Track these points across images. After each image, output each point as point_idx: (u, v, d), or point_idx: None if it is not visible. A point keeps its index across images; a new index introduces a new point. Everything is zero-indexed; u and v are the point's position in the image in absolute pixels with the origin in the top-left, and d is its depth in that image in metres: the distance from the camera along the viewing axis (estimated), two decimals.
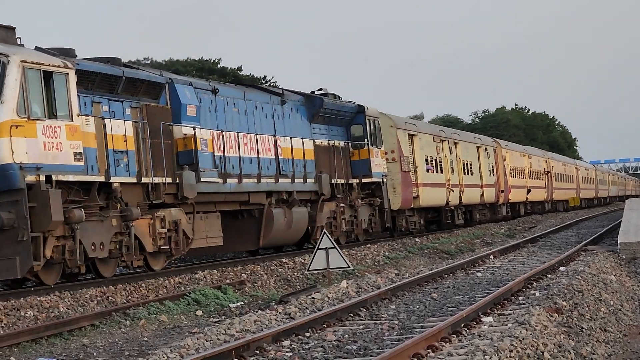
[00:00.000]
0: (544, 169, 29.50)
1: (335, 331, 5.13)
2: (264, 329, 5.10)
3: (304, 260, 9.92)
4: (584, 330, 5.30)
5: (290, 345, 4.41)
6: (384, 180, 13.55)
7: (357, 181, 12.43)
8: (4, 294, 7.08)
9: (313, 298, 6.63)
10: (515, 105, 61.95)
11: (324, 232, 9.05)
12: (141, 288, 7.85)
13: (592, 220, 22.40)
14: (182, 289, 7.78)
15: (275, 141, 10.18)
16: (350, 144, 12.81)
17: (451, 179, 18.20)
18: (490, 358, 3.32)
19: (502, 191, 23.11)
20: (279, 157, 10.15)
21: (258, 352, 3.98)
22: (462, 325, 4.85)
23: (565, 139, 66.42)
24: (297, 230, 10.54)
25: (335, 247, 8.22)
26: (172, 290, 7.88)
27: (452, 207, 17.97)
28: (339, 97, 13.43)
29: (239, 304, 7.57)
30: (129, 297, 7.28)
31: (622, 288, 7.91)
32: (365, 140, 13.02)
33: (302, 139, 10.91)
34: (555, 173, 31.12)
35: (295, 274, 9.87)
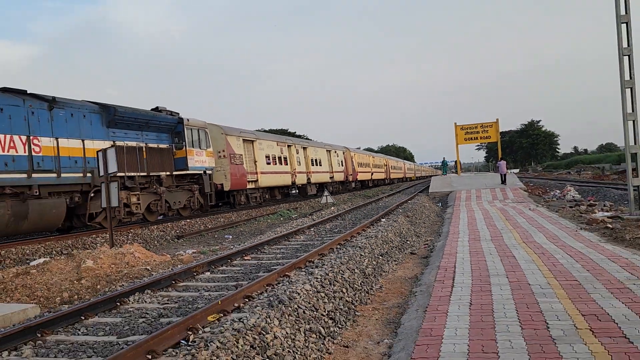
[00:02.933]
0: (384, 164, 56.39)
1: (330, 224, 13.92)
2: (303, 224, 13.38)
3: (311, 200, 28.04)
4: (417, 222, 13.86)
5: (313, 230, 12.55)
6: (207, 172, 19.10)
7: (167, 173, 16.67)
8: (198, 215, 19.00)
9: (322, 213, 18.13)
10: None
11: (325, 189, 25.62)
12: (251, 212, 21.51)
13: (412, 187, 40.44)
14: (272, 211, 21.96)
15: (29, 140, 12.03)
16: (174, 146, 17.65)
17: (297, 168, 27.49)
18: (385, 229, 11.21)
19: (351, 174, 39.47)
20: (33, 154, 12.04)
21: (303, 232, 12.03)
22: (373, 222, 12.87)
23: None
24: (42, 219, 12.21)
25: (329, 195, 22.22)
26: (269, 212, 21.59)
27: (301, 185, 28.88)
28: (174, 113, 17.97)
29: (295, 215, 20.29)
30: (249, 215, 20.55)
31: (430, 207, 19.22)
32: (184, 143, 18.08)
33: (83, 140, 13.62)
34: (391, 165, 62.12)
35: (314, 205, 25.22)
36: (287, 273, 6.59)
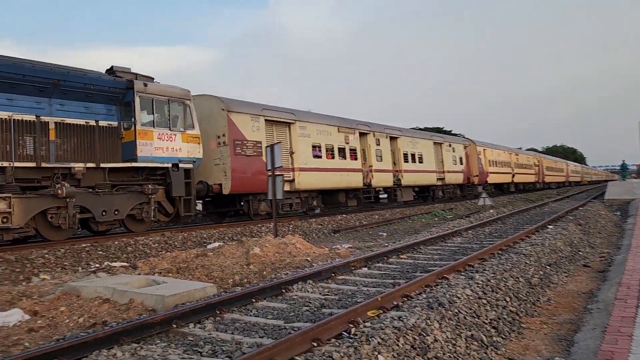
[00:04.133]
0: (534, 163, 47.46)
1: (489, 228, 13.29)
2: (460, 226, 13.18)
3: (467, 202, 26.06)
4: (590, 232, 12.43)
5: (471, 233, 12.20)
6: (180, 165, 12.58)
7: (90, 165, 11.00)
8: (353, 211, 19.72)
9: (479, 216, 17.43)
10: None
11: (482, 191, 26.63)
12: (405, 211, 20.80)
13: (584, 193, 38.72)
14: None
15: None
16: (123, 124, 11.86)
17: (375, 164, 20.53)
18: (552, 237, 9.89)
19: (476, 175, 32.61)
20: None
21: (460, 234, 11.73)
22: (539, 228, 11.75)
23: None
24: None
25: (487, 197, 24.14)
26: (424, 211, 20.65)
27: (383, 188, 22.83)
28: (143, 76, 12.52)
29: (450, 216, 20.80)
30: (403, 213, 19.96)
31: (607, 216, 16.82)
32: (132, 120, 12.09)
33: None
34: (546, 166, 52.19)
35: (470, 207, 24.34)
36: (445, 275, 6.85)
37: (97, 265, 9.79)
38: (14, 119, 10.01)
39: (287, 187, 16.70)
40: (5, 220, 9.82)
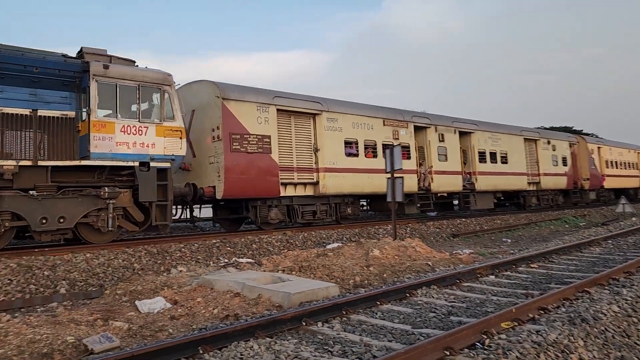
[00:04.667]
0: None
1: (633, 238, 13.72)
2: (597, 235, 14.25)
3: (602, 208, 29.09)
4: None
5: (611, 242, 12.97)
6: (151, 163, 12.27)
7: (29, 163, 10.99)
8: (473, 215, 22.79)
9: (619, 224, 18.37)
10: None
11: (622, 197, 26.03)
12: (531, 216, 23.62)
13: None
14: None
15: None
16: (82, 114, 11.70)
17: (435, 164, 19.97)
18: None
19: (587, 179, 30.79)
20: None
21: (598, 244, 12.66)
22: None
23: None
24: None
25: (627, 203, 24.40)
26: (552, 217, 23.65)
27: (447, 193, 21.56)
28: (124, 59, 12.62)
29: (583, 223, 22.23)
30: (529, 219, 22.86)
31: None
32: (87, 109, 11.79)
33: None
34: None
35: (606, 213, 26.47)
36: (586, 289, 7.09)
37: (226, 260, 11.83)
38: None
39: (308, 191, 15.56)
40: None
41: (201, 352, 4.86)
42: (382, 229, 16.96)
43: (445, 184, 20.54)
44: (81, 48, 12.43)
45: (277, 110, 15.25)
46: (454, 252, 12.86)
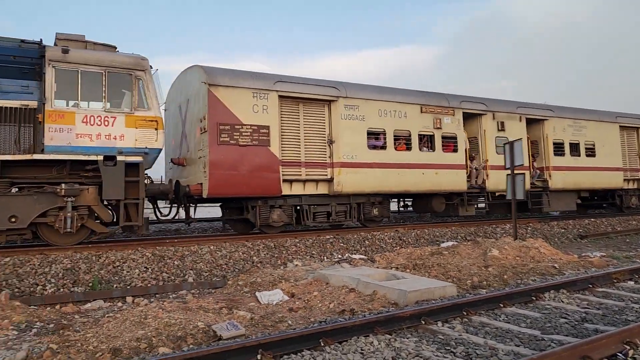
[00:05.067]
0: None
1: None
2: None
3: None
4: None
5: None
6: (118, 157, 12.27)
7: None
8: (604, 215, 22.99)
9: None
10: None
11: None
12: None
13: None
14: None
15: None
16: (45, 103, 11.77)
17: (491, 158, 19.06)
18: None
19: None
20: None
21: None
22: None
23: None
24: None
25: None
26: None
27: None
28: (108, 45, 12.98)
29: None
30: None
31: None
32: (43, 98, 11.83)
33: None
34: None
35: None
36: None
37: (340, 256, 13.11)
38: None
39: (321, 190, 14.80)
40: None
41: (322, 344, 5.53)
42: (500, 228, 17.76)
43: (497, 181, 18.48)
44: (56, 34, 12.35)
45: (280, 97, 14.30)
46: (582, 254, 13.21)
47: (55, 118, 11.57)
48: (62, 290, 10.05)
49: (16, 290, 9.73)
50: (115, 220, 12.47)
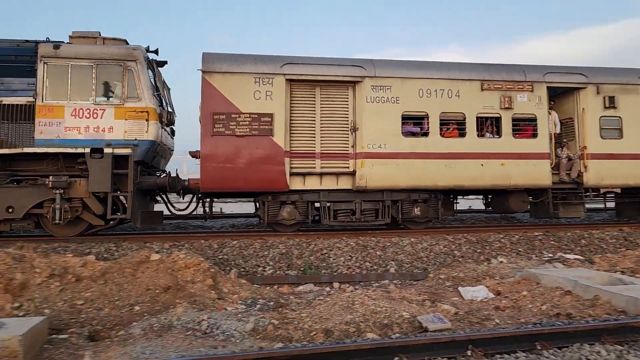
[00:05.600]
0: None
1: None
2: None
3: None
4: None
5: None
6: (106, 150, 12.37)
7: None
8: None
9: None
10: None
11: None
12: None
13: None
14: None
15: None
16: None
17: (591, 145, 15.01)
18: None
19: None
20: None
21: None
22: None
23: None
24: None
25: None
26: None
27: (620, 188, 15.55)
28: (116, 39, 13.18)
29: None
30: None
31: None
32: (35, 92, 12.27)
33: None
34: None
35: None
36: None
37: (550, 254, 12.48)
38: None
39: (342, 184, 13.30)
40: None
41: (539, 347, 5.38)
42: None
43: (615, 174, 14.69)
44: (72, 32, 13.04)
45: (289, 81, 13.07)
46: None
47: (45, 112, 12.08)
48: (278, 272, 11.17)
49: (242, 269, 11.13)
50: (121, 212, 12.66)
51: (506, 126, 14.09)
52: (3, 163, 12.27)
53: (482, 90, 14.00)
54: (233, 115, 12.67)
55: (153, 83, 12.73)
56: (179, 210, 13.77)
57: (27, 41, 12.57)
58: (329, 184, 13.27)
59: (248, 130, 12.73)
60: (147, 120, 12.38)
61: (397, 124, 13.43)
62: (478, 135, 13.90)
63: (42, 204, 12.18)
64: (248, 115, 12.76)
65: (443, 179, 13.58)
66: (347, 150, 13.38)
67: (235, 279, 9.47)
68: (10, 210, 12.06)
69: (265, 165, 12.74)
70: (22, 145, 12.12)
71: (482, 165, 13.78)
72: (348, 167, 13.31)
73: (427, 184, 13.55)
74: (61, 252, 10.81)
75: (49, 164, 12.45)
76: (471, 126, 13.81)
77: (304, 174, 13.14)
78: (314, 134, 13.31)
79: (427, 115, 13.61)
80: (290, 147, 13.04)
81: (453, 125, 13.87)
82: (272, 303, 8.40)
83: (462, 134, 13.82)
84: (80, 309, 7.81)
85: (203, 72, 12.68)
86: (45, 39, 12.56)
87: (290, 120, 13.12)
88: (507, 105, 14.07)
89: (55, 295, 8.06)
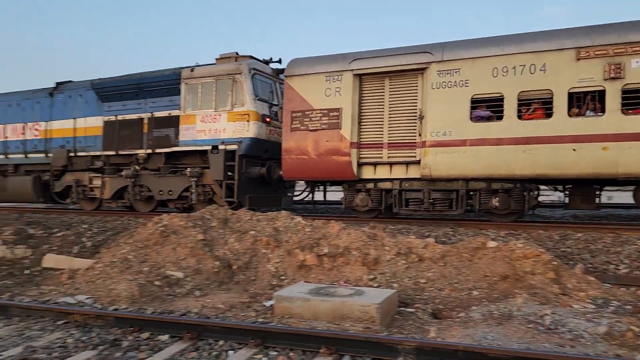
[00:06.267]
0: None
1: None
2: None
3: None
4: None
5: None
6: (219, 147, 15.47)
7: (148, 152, 17.09)
8: None
9: None
10: None
11: None
12: None
13: None
14: None
15: (24, 126, 19.68)
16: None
17: None
18: None
19: None
20: (26, 138, 19.82)
21: None
22: None
23: None
24: (19, 191, 19.60)
25: None
26: None
27: None
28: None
29: None
30: None
31: None
32: (181, 106, 15.85)
33: (76, 119, 18.92)
34: None
35: None
36: None
37: None
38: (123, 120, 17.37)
39: (412, 173, 13.24)
40: (100, 192, 17.52)
41: None
42: None
43: None
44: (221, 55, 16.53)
45: (356, 75, 13.56)
46: None
47: (185, 120, 15.88)
48: (635, 272, 9.45)
49: (588, 265, 9.78)
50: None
51: (612, 100, 11.41)
52: (167, 159, 16.53)
53: (577, 59, 11.67)
54: (307, 112, 14.04)
55: (255, 90, 15.14)
56: (293, 196, 16.38)
57: (173, 69, 16.49)
58: (398, 172, 13.37)
59: (319, 124, 13.90)
60: (248, 121, 14.93)
61: (464, 109, 12.52)
62: (570, 115, 11.65)
63: (188, 189, 15.92)
64: (319, 111, 13.93)
65: (521, 168, 12.00)
66: (414, 140, 13.14)
67: (581, 275, 8.68)
68: (170, 192, 16.24)
69: (333, 156, 13.71)
70: (172, 146, 16.16)
71: (574, 150, 11.56)
72: (415, 156, 13.11)
73: (502, 173, 12.19)
74: (405, 233, 11.58)
75: (191, 159, 16.16)
76: (561, 105, 11.71)
77: (374, 164, 13.57)
78: (382, 124, 13.55)
79: (503, 96, 12.20)
80: (359, 138, 13.66)
81: (536, 105, 12.03)
82: (629, 307, 7.54)
83: (548, 114, 11.85)
84: (423, 287, 8.42)
85: (286, 76, 14.46)
86: (195, 64, 16.34)
87: (360, 112, 13.71)
88: (614, 75, 11.40)
89: (402, 272, 8.88)
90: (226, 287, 9.21)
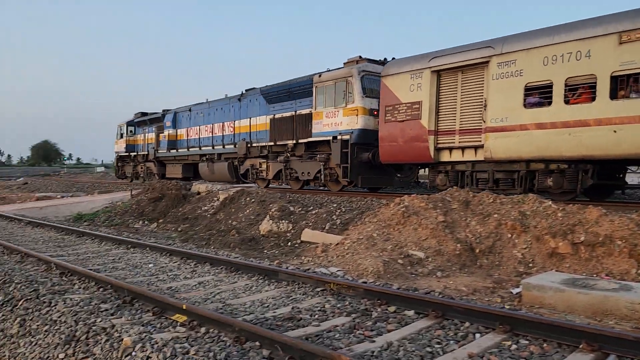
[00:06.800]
0: None
1: None
2: None
3: None
4: None
5: None
6: (338, 137, 18.64)
7: (294, 142, 21.20)
8: None
9: None
10: None
11: None
12: None
13: None
14: None
15: (223, 124, 26.01)
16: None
17: None
18: None
19: None
20: (224, 133, 26.26)
21: None
22: None
23: None
24: (221, 174, 25.80)
25: None
26: None
27: None
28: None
29: None
30: None
31: None
32: (313, 105, 19.33)
33: (250, 118, 24.40)
34: None
35: None
36: None
37: None
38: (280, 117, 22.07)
39: (479, 156, 14.72)
40: (265, 174, 22.54)
41: None
42: None
43: None
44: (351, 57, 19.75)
45: (434, 72, 15.44)
46: None
47: (315, 117, 19.69)
48: None
49: None
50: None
51: None
52: (306, 147, 20.46)
53: (620, 43, 11.98)
54: (396, 106, 16.48)
55: (364, 88, 17.97)
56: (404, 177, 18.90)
57: (310, 75, 20.17)
58: (469, 156, 15.02)
59: (404, 116, 16.26)
60: (357, 115, 18.00)
61: (519, 96, 13.62)
62: (612, 98, 12.05)
63: (320, 171, 19.59)
64: (405, 104, 16.26)
65: (568, 149, 12.78)
66: (480, 126, 14.59)
67: None
68: (308, 173, 20.30)
69: (414, 142, 15.95)
70: (308, 137, 20.00)
71: (614, 132, 11.98)
72: (480, 141, 14.56)
73: (552, 154, 13.12)
74: None
75: (321, 147, 19.78)
76: (603, 89, 12.15)
77: (449, 148, 15.44)
78: (455, 113, 15.29)
79: (552, 83, 13.01)
80: (436, 126, 15.62)
81: (582, 90, 12.60)
82: None
83: (592, 98, 12.39)
84: None
85: (382, 76, 17.10)
86: (325, 69, 19.90)
87: (437, 104, 15.62)
88: None
89: None
90: (468, 271, 9.26)
